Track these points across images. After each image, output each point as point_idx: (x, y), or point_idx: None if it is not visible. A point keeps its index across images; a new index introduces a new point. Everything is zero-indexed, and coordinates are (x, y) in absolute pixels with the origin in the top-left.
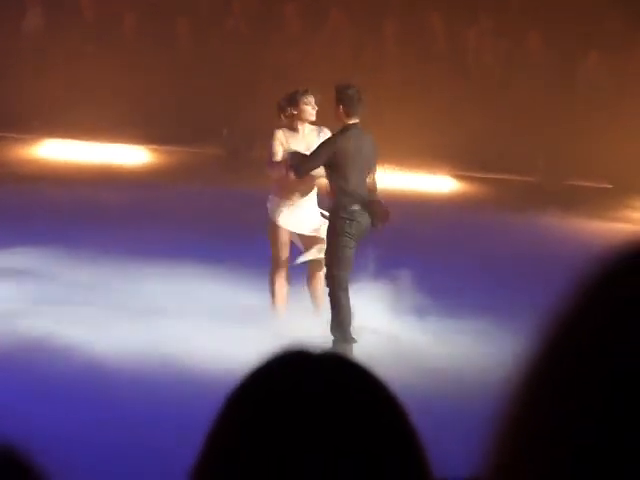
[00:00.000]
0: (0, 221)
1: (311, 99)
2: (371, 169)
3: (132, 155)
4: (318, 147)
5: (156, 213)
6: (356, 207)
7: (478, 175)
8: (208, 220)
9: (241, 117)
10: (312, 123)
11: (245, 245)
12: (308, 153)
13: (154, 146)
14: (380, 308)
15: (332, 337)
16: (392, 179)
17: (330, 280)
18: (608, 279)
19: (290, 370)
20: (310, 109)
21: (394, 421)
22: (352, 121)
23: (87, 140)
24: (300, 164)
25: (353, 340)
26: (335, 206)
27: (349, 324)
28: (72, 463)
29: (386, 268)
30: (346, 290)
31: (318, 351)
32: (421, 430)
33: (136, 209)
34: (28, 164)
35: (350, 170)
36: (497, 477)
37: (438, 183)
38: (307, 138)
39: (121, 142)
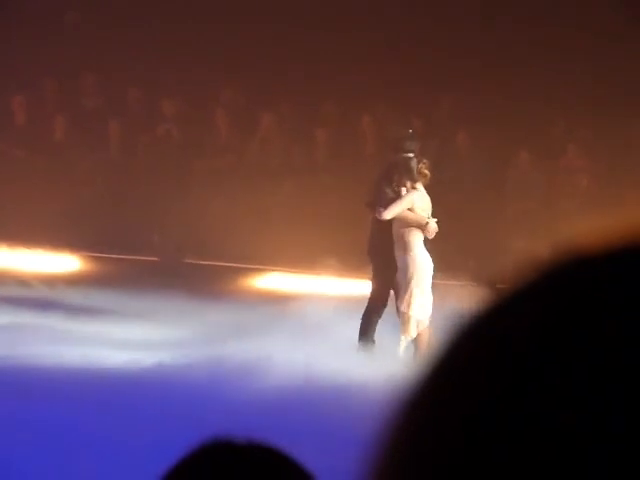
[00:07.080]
0: None
1: None
2: None
3: (60, 262)
4: None
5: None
6: None
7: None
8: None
9: (172, 223)
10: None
11: None
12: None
13: (84, 253)
14: None
15: None
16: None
17: None
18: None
19: (215, 462)
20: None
21: None
22: None
23: (14, 246)
24: None
25: None
26: None
27: None
28: None
29: None
30: None
31: (243, 442)
32: None
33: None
34: None
35: None
36: None
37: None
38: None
39: (50, 249)
